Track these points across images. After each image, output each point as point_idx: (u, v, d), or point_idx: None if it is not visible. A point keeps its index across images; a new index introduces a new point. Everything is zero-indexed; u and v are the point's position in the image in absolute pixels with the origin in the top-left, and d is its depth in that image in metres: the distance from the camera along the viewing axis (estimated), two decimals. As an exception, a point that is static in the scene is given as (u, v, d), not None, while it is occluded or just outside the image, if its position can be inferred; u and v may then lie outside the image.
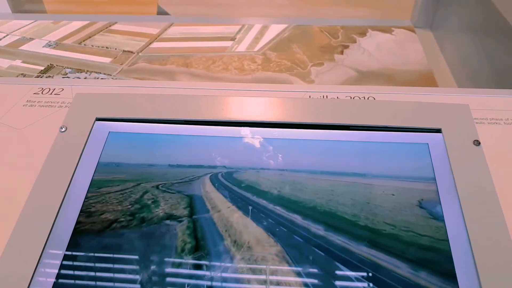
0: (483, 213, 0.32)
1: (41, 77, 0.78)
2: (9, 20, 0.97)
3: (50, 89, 0.49)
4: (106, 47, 0.88)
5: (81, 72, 0.80)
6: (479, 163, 0.32)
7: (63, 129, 0.41)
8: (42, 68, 0.81)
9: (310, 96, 0.40)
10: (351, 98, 0.39)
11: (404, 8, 1.05)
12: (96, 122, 0.41)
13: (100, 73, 0.80)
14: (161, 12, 1.19)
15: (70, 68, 0.81)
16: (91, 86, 0.49)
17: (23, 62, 0.83)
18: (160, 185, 0.40)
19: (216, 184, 0.38)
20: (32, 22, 0.97)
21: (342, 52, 0.85)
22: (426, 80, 0.76)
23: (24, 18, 0.99)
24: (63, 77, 0.79)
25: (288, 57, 0.84)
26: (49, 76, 0.79)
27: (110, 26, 0.95)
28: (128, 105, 0.43)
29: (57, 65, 0.82)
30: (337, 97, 0.38)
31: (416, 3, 0.93)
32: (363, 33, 0.90)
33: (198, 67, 0.82)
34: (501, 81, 0.63)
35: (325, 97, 0.38)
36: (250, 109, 0.40)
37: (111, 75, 0.79)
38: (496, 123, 0.39)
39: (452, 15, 0.84)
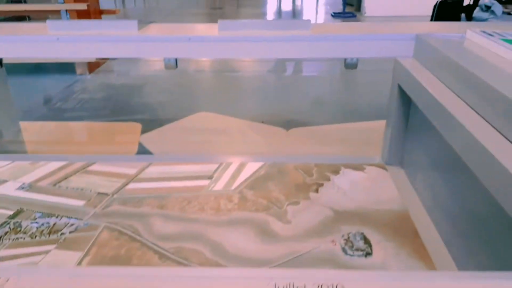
0: None
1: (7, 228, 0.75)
2: (-14, 162, 0.98)
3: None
4: (81, 189, 0.87)
5: (51, 217, 0.78)
6: None
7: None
8: (12, 212, 0.79)
9: (275, 285, 0.37)
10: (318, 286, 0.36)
11: (373, 144, 1.11)
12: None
13: (71, 217, 0.77)
14: (142, 151, 1.23)
15: (41, 213, 0.79)
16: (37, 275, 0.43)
17: (-8, 206, 0.81)
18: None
19: None
20: (9, 163, 0.97)
21: (317, 191, 0.86)
22: (403, 220, 0.76)
23: (1, 159, 0.99)
24: (32, 223, 0.76)
25: (264, 196, 0.85)
26: (17, 222, 0.76)
27: (88, 166, 0.96)
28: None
29: (27, 209, 0.80)
30: (304, 285, 0.36)
31: (385, 142, 0.98)
32: (336, 171, 0.93)
33: (174, 208, 0.81)
34: (481, 226, 0.64)
35: (291, 285, 0.36)
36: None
37: (82, 219, 0.77)
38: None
39: (420, 152, 0.88)
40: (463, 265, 0.66)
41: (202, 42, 0.91)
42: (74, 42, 0.90)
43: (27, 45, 0.90)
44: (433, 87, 0.71)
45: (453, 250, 0.69)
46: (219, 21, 0.94)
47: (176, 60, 0.94)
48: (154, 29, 0.96)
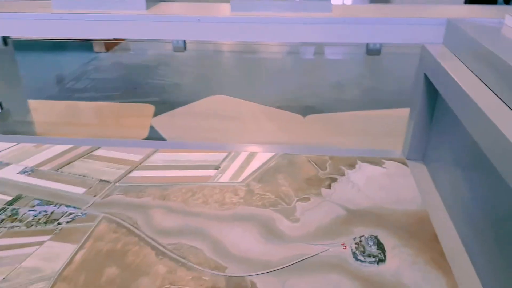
0: None
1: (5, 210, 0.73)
2: (-8, 143, 0.96)
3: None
4: (83, 175, 0.84)
5: (49, 204, 0.75)
6: None
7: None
8: (10, 198, 0.76)
9: None
10: None
11: (395, 135, 1.03)
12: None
13: (70, 206, 0.75)
14: (153, 134, 1.19)
15: (39, 200, 0.76)
16: None
17: (-7, 190, 0.78)
18: None
19: None
20: (14, 145, 0.95)
21: (329, 186, 0.80)
22: (421, 223, 0.70)
23: (7, 140, 0.97)
24: (29, 210, 0.73)
25: (272, 190, 0.80)
26: (14, 209, 0.73)
27: (92, 151, 0.93)
28: None
29: (26, 196, 0.77)
30: None
31: (407, 135, 0.91)
32: (352, 165, 0.87)
33: (176, 199, 0.77)
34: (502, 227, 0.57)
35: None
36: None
37: (80, 208, 0.74)
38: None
39: (444, 148, 0.81)
40: (485, 276, 0.59)
41: (213, 24, 0.85)
42: (78, 21, 0.85)
43: (30, 23, 0.86)
44: (464, 78, 0.64)
45: (475, 259, 0.63)
46: (231, 0, 0.88)
47: (184, 42, 0.88)
48: (163, 9, 0.91)
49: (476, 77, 0.64)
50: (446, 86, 0.69)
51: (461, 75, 0.65)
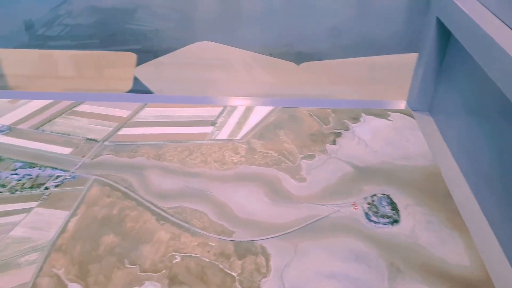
0: None
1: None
2: (-40, 99, 0.86)
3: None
4: (67, 134, 0.77)
5: (33, 167, 0.68)
6: None
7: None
8: (-12, 160, 0.70)
9: None
10: None
11: (398, 85, 0.98)
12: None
13: (56, 168, 0.68)
14: (138, 89, 1.11)
15: (22, 162, 0.69)
16: None
17: (-33, 152, 0.71)
18: None
19: None
20: (-14, 101, 0.86)
21: (334, 142, 0.76)
22: (433, 179, 0.67)
23: (-22, 96, 0.88)
24: (11, 174, 0.67)
25: (275, 147, 0.75)
26: (-6, 173, 0.67)
27: (75, 106, 0.85)
28: None
29: (6, 158, 0.70)
30: None
31: (413, 84, 0.86)
32: (356, 118, 0.82)
33: (173, 159, 0.72)
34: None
35: None
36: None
37: (68, 171, 0.68)
38: None
39: (454, 98, 0.77)
40: (503, 234, 0.58)
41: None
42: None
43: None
44: (482, 18, 0.59)
45: (490, 217, 0.61)
46: None
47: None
48: None
49: (495, 16, 0.58)
50: (462, 28, 0.64)
51: (478, 15, 0.59)
